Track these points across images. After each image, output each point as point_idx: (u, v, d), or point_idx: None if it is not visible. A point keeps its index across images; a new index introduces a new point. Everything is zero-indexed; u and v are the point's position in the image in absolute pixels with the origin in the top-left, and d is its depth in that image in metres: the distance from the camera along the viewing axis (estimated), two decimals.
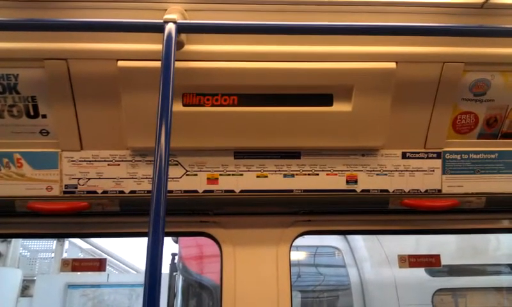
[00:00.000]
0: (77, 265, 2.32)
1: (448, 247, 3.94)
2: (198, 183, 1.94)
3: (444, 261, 3.72)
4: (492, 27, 1.76)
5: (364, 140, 1.94)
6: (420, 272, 3.85)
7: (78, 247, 6.07)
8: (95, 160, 1.92)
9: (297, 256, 4.29)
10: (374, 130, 1.92)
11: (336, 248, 4.27)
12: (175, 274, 4.48)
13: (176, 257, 4.49)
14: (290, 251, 2.07)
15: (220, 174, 1.95)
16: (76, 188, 1.91)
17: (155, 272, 1.29)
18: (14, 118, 1.85)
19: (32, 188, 1.90)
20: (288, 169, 1.97)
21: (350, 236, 4.23)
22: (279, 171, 1.97)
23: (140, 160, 1.93)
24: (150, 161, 1.92)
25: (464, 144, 2.02)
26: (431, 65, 1.82)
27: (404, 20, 1.78)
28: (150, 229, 1.32)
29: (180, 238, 4.20)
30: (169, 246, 4.45)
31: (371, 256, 4.04)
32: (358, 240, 4.18)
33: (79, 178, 1.91)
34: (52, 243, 6.00)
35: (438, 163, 2.01)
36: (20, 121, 1.86)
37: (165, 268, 4.63)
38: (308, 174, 1.97)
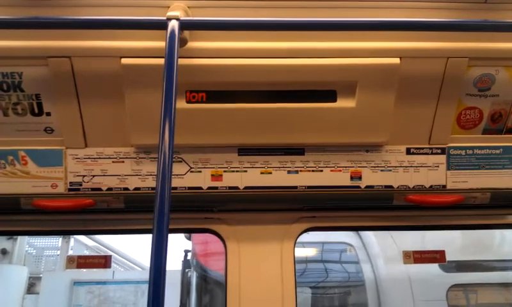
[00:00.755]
0: (82, 262, 2.33)
1: (461, 242, 3.92)
2: (202, 179, 1.95)
3: (457, 257, 3.70)
4: (496, 22, 1.75)
5: (368, 136, 1.94)
6: (434, 268, 3.82)
7: (83, 244, 6.08)
8: (100, 158, 1.92)
9: (309, 252, 4.27)
10: (378, 126, 1.91)
11: (349, 244, 4.25)
12: (187, 270, 4.47)
13: (189, 254, 4.48)
14: (294, 247, 2.08)
15: (224, 171, 1.95)
16: (81, 185, 1.92)
17: (160, 268, 1.29)
18: (18, 115, 1.86)
19: (37, 186, 1.91)
20: (292, 166, 1.97)
21: (362, 233, 4.20)
22: (283, 167, 1.97)
23: (144, 157, 1.93)
24: (154, 158, 1.92)
25: (468, 139, 2.02)
26: (435, 60, 1.82)
27: (408, 16, 1.77)
28: (155, 226, 1.33)
29: (193, 235, 4.20)
30: (182, 243, 4.45)
31: (384, 252, 4.01)
32: (370, 236, 4.15)
33: (84, 176, 1.92)
34: (58, 240, 6.02)
35: (442, 159, 2.01)
36: (25, 119, 1.86)
37: (177, 265, 4.64)
38: (312, 171, 1.97)
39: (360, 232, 4.20)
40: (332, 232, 4.11)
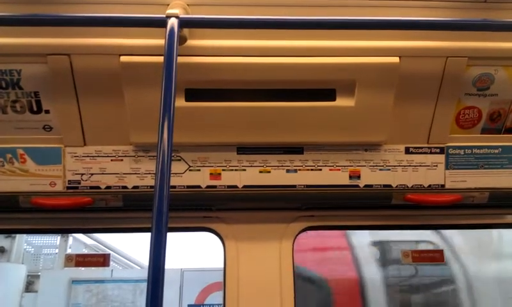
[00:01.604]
0: (80, 260, 2.32)
1: None
2: (200, 178, 1.95)
3: None
4: (495, 22, 1.75)
5: (367, 135, 1.94)
6: None
7: (82, 242, 6.07)
8: (98, 156, 1.92)
9: (394, 252, 4.18)
10: (377, 125, 1.91)
11: (432, 242, 4.16)
12: None
13: None
14: (293, 246, 2.08)
15: (223, 170, 1.95)
16: (79, 183, 1.92)
17: (158, 267, 1.29)
18: (17, 113, 1.85)
19: (35, 184, 1.91)
20: (291, 165, 1.96)
21: (444, 231, 4.06)
22: (282, 166, 1.96)
23: (143, 156, 1.93)
24: (153, 156, 1.92)
25: (467, 139, 2.02)
26: (434, 60, 1.81)
27: (407, 14, 1.77)
28: (153, 225, 1.32)
29: None
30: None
31: (471, 250, 3.93)
32: (454, 234, 4.05)
33: (82, 174, 1.92)
34: (56, 239, 6.01)
35: (441, 158, 2.01)
36: (23, 116, 1.86)
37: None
38: (311, 170, 1.97)
39: (441, 230, 4.10)
40: (403, 231, 3.98)
